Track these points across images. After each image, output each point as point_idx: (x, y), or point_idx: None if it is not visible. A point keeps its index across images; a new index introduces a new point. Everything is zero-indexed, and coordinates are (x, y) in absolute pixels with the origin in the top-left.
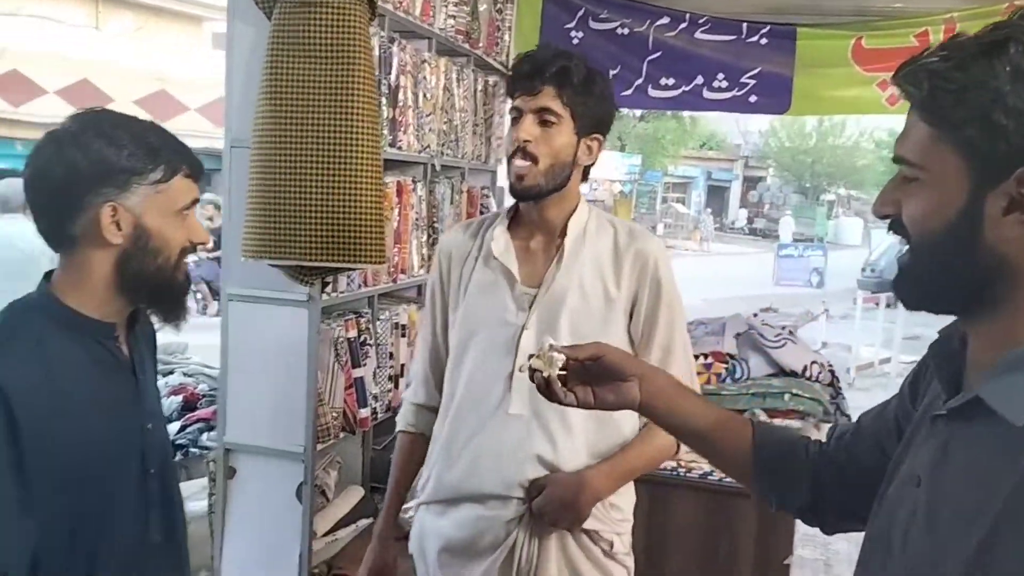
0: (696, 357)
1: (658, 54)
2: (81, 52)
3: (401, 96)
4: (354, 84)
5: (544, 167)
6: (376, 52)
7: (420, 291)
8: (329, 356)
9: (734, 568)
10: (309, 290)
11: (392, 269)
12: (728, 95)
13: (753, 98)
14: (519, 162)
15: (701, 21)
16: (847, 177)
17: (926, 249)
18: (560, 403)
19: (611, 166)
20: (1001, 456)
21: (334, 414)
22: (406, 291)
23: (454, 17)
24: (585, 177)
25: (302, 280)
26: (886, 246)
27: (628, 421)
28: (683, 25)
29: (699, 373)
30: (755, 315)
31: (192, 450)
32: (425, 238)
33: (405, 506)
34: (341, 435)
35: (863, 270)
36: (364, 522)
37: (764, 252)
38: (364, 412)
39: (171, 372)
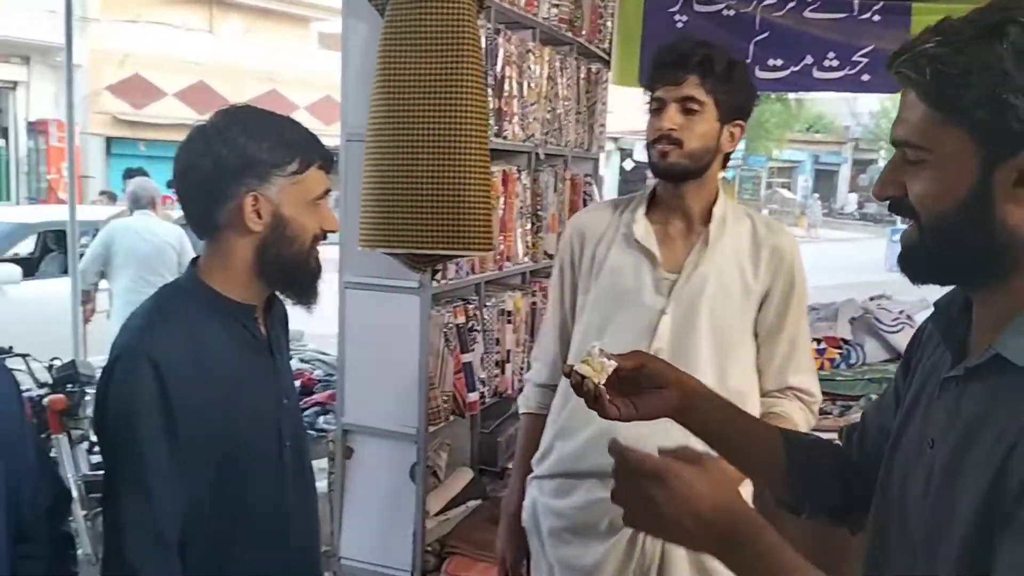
0: None
1: (765, 35)
2: (196, 55)
3: (506, 86)
4: (463, 76)
5: (689, 150)
6: (483, 44)
7: (525, 278)
8: (439, 341)
9: None
10: (420, 278)
11: (498, 257)
12: (839, 74)
13: (866, 77)
14: (663, 146)
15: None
16: None
17: (938, 227)
18: (606, 417)
19: None
20: (1014, 401)
21: (444, 397)
22: (511, 278)
23: (557, 6)
24: (724, 164)
25: (415, 267)
26: None
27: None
28: (791, 4)
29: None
30: (871, 299)
31: (311, 433)
32: (529, 226)
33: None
34: (451, 418)
35: None
36: (474, 503)
37: (875, 238)
38: (473, 396)
39: (289, 358)
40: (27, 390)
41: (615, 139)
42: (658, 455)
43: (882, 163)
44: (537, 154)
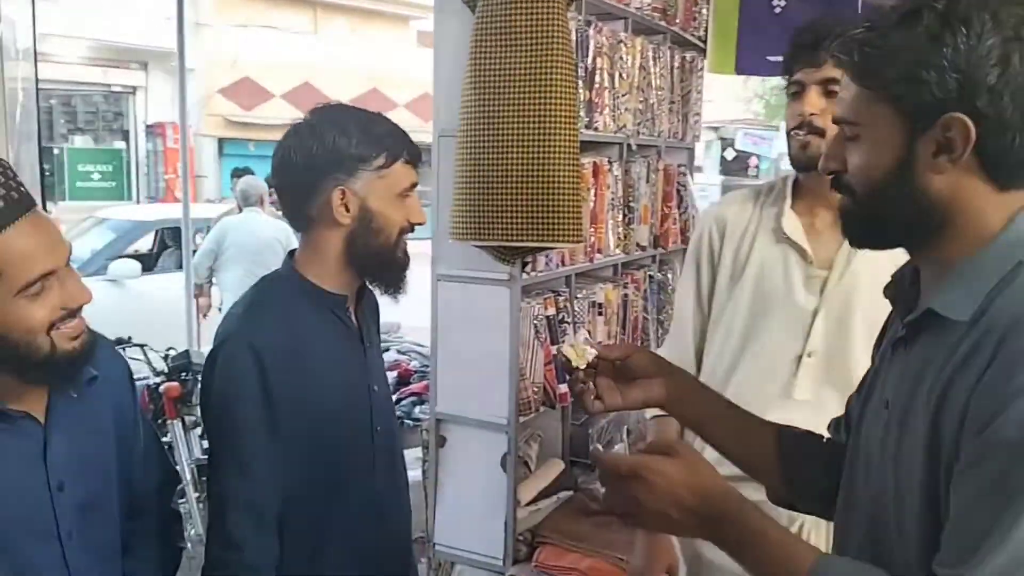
0: None
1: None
2: (301, 57)
3: (597, 78)
4: (553, 70)
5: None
6: (573, 36)
7: (616, 270)
8: (529, 333)
9: None
10: (510, 269)
11: (589, 249)
12: None
13: None
14: (803, 137)
15: None
16: None
17: (869, 195)
18: (586, 410)
19: None
20: (948, 351)
21: (534, 388)
22: (602, 270)
23: None
24: None
25: (504, 260)
26: None
27: None
28: None
29: None
30: None
31: (406, 422)
32: (621, 218)
33: None
34: (541, 409)
35: None
36: (565, 494)
37: None
38: (563, 388)
39: (387, 349)
40: (144, 378)
41: (715, 128)
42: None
43: None
44: (629, 145)
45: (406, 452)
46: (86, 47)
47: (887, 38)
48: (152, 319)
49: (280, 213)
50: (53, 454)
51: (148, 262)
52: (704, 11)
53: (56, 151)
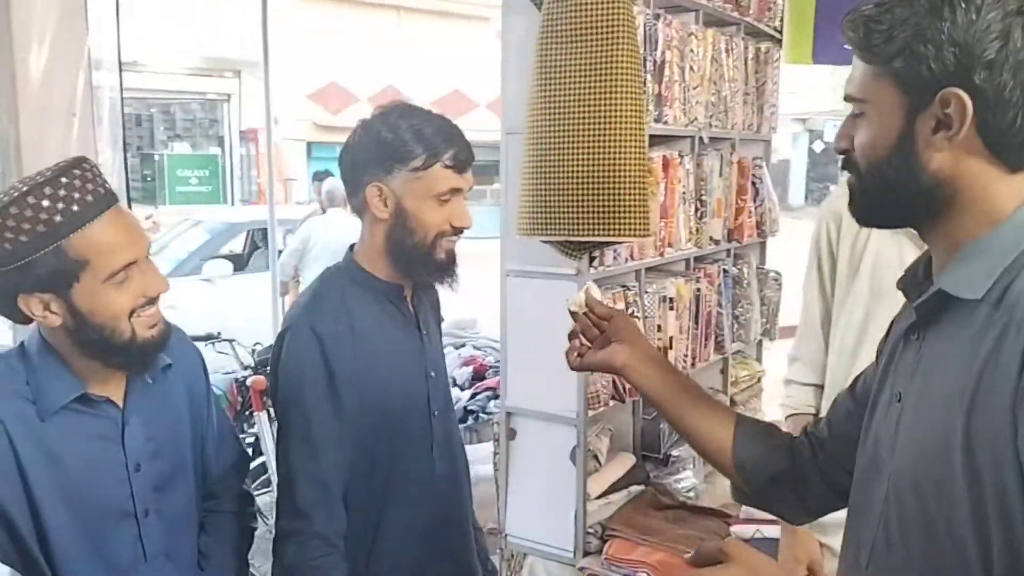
0: None
1: None
2: (386, 60)
3: (667, 71)
4: (618, 64)
5: None
6: (641, 30)
7: (688, 264)
8: None
9: None
10: (577, 264)
11: (659, 243)
12: None
13: None
14: None
15: None
16: None
17: (873, 173)
18: (568, 363)
19: None
20: (971, 339)
21: (604, 383)
22: (673, 265)
23: None
24: None
25: (571, 255)
26: None
27: None
28: None
29: None
30: None
31: (481, 416)
32: (693, 211)
33: None
34: (611, 403)
35: None
36: (636, 488)
37: None
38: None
39: (463, 345)
40: (232, 372)
41: (803, 120)
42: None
43: None
44: (701, 138)
45: (480, 446)
46: (184, 57)
47: (890, 13)
48: (242, 316)
49: None
50: (130, 436)
51: (240, 262)
52: (779, 1)
53: (157, 157)
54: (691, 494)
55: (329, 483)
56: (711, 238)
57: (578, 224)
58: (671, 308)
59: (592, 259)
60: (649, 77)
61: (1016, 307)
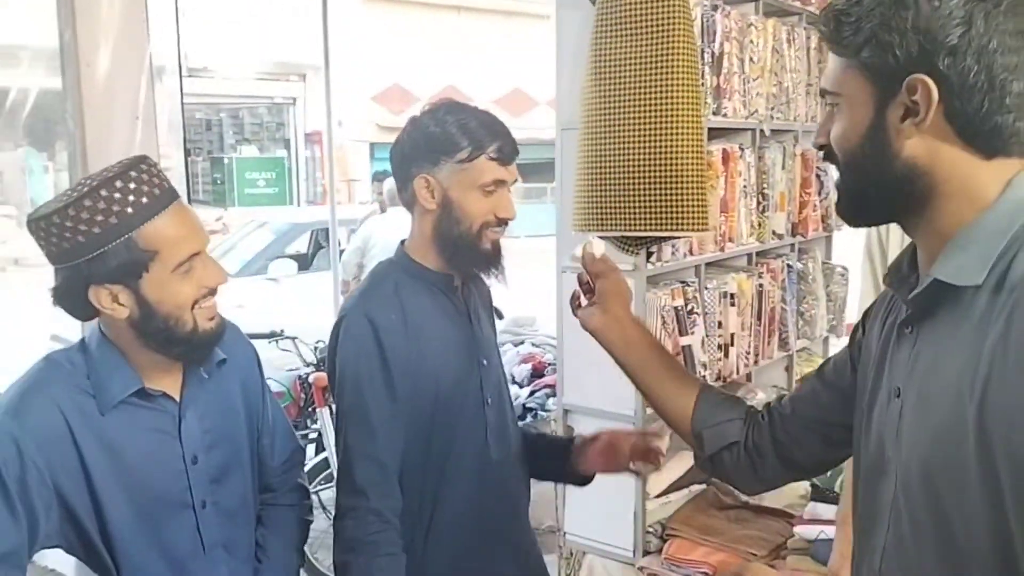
0: None
1: None
2: (447, 60)
3: (725, 63)
4: (674, 56)
5: None
6: (698, 21)
7: (750, 259)
8: (656, 324)
9: None
10: (635, 260)
11: (719, 238)
12: None
13: None
14: None
15: None
16: None
17: (848, 165)
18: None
19: None
20: (974, 327)
21: None
22: (735, 260)
23: None
24: None
25: (627, 250)
26: None
27: None
28: None
29: None
30: None
31: (540, 413)
32: (754, 205)
33: None
34: None
35: None
36: (697, 488)
37: None
38: None
39: (522, 342)
40: (295, 369)
41: None
42: None
43: None
44: (762, 130)
45: None
46: (251, 63)
47: (859, 5)
48: (306, 314)
49: None
50: (187, 429)
51: (304, 261)
52: None
53: (226, 161)
54: None
55: (385, 462)
56: (774, 232)
57: (634, 219)
58: (732, 304)
59: (650, 254)
60: (707, 69)
61: (1019, 290)
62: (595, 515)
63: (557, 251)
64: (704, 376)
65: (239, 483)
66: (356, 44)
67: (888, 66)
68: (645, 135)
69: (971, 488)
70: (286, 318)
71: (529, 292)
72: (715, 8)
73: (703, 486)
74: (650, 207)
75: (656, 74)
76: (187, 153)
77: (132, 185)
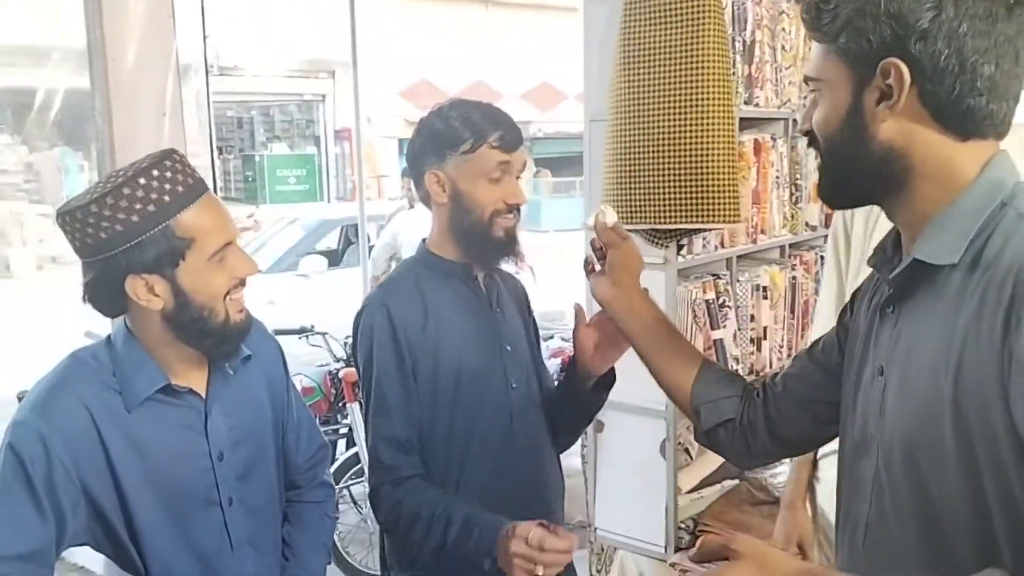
0: None
1: None
2: (474, 55)
3: (757, 52)
4: (703, 47)
5: None
6: (729, 10)
7: (783, 252)
8: (687, 317)
9: None
10: (664, 253)
11: (751, 230)
12: None
13: None
14: None
15: None
16: None
17: (829, 148)
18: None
19: None
20: (949, 305)
21: None
22: (768, 252)
23: None
24: None
25: (657, 243)
26: None
27: None
28: None
29: None
30: None
31: None
32: (787, 196)
33: None
34: None
35: None
36: (730, 483)
37: None
38: None
39: (551, 337)
40: (325, 364)
41: None
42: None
43: None
44: (794, 120)
45: None
46: (281, 61)
47: None
48: (336, 310)
49: None
50: (213, 426)
51: (334, 257)
52: None
53: (257, 158)
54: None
55: (403, 439)
56: (807, 224)
57: (664, 211)
58: (765, 297)
59: (680, 247)
60: (738, 58)
61: (992, 269)
62: (626, 510)
63: (585, 245)
64: (736, 371)
65: (265, 479)
66: (384, 40)
67: (864, 51)
68: (675, 125)
69: (950, 465)
70: (316, 314)
71: (558, 286)
72: None
73: (736, 481)
74: (681, 199)
75: (686, 63)
76: (218, 151)
77: (169, 174)
